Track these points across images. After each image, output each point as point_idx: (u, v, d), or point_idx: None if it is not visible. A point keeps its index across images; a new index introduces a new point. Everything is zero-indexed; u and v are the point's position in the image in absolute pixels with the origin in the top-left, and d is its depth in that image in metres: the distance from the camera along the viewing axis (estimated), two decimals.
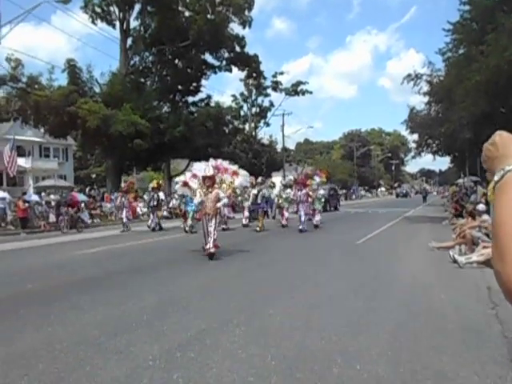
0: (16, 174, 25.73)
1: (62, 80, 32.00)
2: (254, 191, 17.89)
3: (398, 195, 75.03)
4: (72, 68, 31.62)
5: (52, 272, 8.94)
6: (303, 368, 3.80)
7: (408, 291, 6.81)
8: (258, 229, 16.96)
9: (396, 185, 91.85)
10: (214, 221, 10.15)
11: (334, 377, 3.65)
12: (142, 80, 35.87)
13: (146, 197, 25.15)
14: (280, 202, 19.28)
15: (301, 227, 16.13)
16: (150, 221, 19.01)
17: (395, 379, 3.60)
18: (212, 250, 9.87)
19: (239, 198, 20.07)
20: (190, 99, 39.25)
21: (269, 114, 53.29)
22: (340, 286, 7.17)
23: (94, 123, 28.76)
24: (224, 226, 17.24)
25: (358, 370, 3.76)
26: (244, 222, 19.34)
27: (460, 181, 31.02)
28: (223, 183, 10.64)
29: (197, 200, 10.49)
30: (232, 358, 4.02)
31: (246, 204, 19.24)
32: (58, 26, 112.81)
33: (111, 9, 32.96)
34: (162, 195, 19.39)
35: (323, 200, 20.15)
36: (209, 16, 34.06)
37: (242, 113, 50.50)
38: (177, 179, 15.91)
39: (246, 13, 35.99)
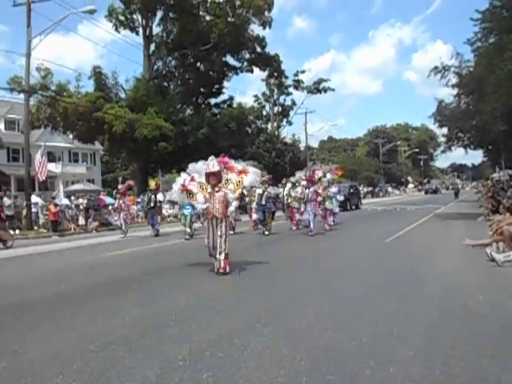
0: (47, 178, 26.41)
1: (88, 87, 32.75)
2: (259, 190, 15.84)
3: (426, 191, 70.82)
4: (98, 75, 32.33)
5: (83, 273, 9.11)
6: (334, 370, 3.73)
7: (442, 291, 6.57)
8: (266, 232, 15.38)
9: (425, 181, 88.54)
10: (223, 227, 8.21)
11: (366, 379, 3.57)
12: (166, 84, 36.39)
13: (140, 199, 24.48)
14: (289, 201, 17.27)
15: (311, 231, 14.56)
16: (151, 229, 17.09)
17: (432, 383, 3.50)
18: (223, 270, 8.08)
19: (246, 199, 18.65)
20: (213, 101, 39.66)
21: (291, 113, 53.34)
22: (369, 285, 6.99)
23: (120, 128, 29.37)
24: (231, 232, 14.76)
25: (391, 372, 3.68)
26: (251, 226, 17.37)
27: (495, 175, 30.29)
28: (229, 183, 8.59)
29: (200, 205, 8.49)
30: (261, 358, 4.01)
31: (254, 205, 17.06)
32: (84, 35, 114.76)
33: (134, 16, 33.59)
34: (160, 197, 17.16)
35: (340, 199, 18.76)
36: (229, 19, 34.36)
37: (264, 112, 50.72)
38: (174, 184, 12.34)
39: (266, 13, 36.10)
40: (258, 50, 39.68)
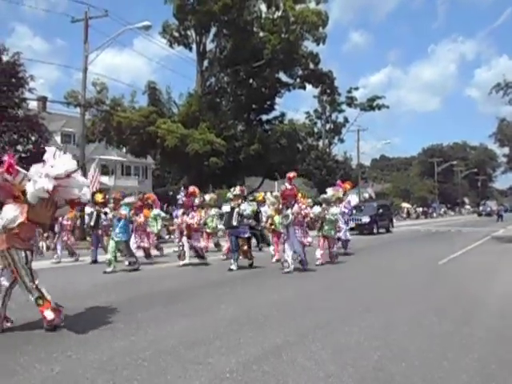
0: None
1: (142, 101, 33.48)
2: (227, 208, 11.67)
3: (480, 214, 65.36)
4: (152, 90, 33.10)
5: (134, 284, 9.34)
6: None
7: (499, 317, 6.23)
8: (232, 267, 10.85)
9: (482, 202, 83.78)
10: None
11: None
12: (218, 100, 36.78)
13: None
14: (271, 224, 13.09)
15: (287, 268, 10.23)
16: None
17: None
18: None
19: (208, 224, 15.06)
20: (264, 117, 39.66)
21: (343, 130, 52.67)
22: (421, 307, 6.72)
23: (172, 142, 29.78)
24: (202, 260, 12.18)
25: None
26: (223, 256, 13.12)
27: None
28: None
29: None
30: (308, 375, 3.96)
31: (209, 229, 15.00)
32: (139, 50, 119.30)
33: (188, 33, 34.32)
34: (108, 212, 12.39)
35: (364, 220, 15.85)
36: (283, 35, 34.38)
37: (315, 129, 50.17)
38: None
39: (321, 29, 35.81)
40: (311, 66, 39.43)
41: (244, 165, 33.52)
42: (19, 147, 27.16)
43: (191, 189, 12.45)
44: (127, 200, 12.14)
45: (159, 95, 33.67)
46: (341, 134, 52.79)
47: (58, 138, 41.30)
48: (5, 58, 26.45)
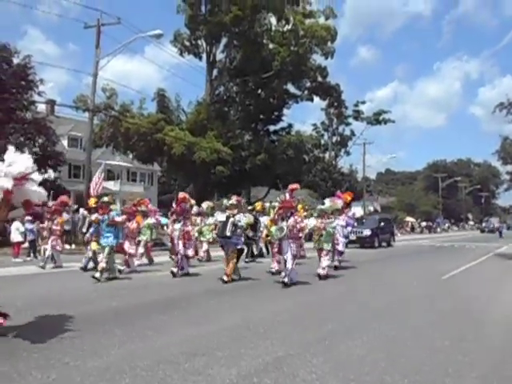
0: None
1: (151, 108, 33.68)
2: (221, 217, 11.51)
3: (483, 230, 63.06)
4: (161, 97, 33.32)
5: (135, 291, 9.28)
6: None
7: (503, 333, 6.22)
8: (224, 278, 10.24)
9: (485, 219, 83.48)
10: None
11: None
12: (226, 109, 37.01)
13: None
14: (267, 235, 12.87)
15: (285, 278, 9.79)
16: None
17: None
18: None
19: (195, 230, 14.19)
20: (272, 128, 39.89)
21: (349, 143, 52.89)
22: (424, 322, 6.69)
23: (179, 150, 29.92)
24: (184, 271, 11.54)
25: None
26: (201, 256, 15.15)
27: None
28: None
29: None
30: None
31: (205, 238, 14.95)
32: (150, 58, 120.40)
33: (199, 42, 34.66)
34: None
35: (366, 233, 15.81)
36: (292, 48, 34.71)
37: (322, 142, 50.37)
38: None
39: (329, 44, 36.12)
40: (319, 79, 39.78)
41: (250, 174, 33.61)
42: (25, 149, 27.29)
43: (181, 195, 11.98)
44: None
45: (168, 102, 33.91)
46: (347, 146, 53.08)
47: (65, 142, 41.42)
48: (16, 61, 26.72)
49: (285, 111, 39.84)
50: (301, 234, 10.49)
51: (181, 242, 11.35)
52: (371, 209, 48.91)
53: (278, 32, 35.79)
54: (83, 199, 22.52)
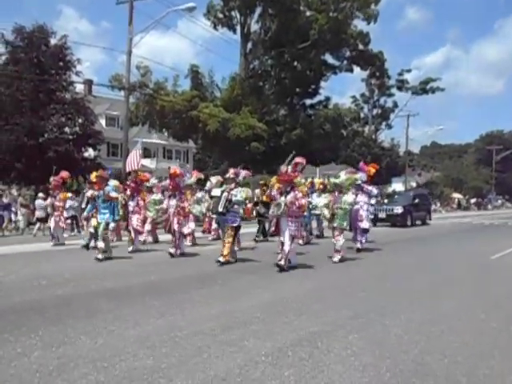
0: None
1: (185, 85, 33.45)
2: (216, 191, 10.34)
3: None
4: (195, 74, 32.95)
5: (173, 266, 9.46)
6: None
7: None
8: (220, 259, 9.36)
9: None
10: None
11: None
12: (261, 83, 36.29)
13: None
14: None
15: (281, 261, 8.70)
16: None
17: None
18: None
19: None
20: (308, 102, 38.93)
21: (391, 116, 51.02)
22: (467, 303, 6.37)
23: (214, 127, 29.63)
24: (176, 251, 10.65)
25: None
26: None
27: None
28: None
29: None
30: (344, 364, 3.90)
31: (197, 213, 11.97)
32: (183, 32, 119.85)
33: (233, 14, 33.83)
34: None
35: (397, 211, 14.95)
36: (331, 14, 33.28)
37: (362, 115, 48.89)
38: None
39: (373, 6, 34.29)
40: (360, 47, 38.07)
41: (285, 150, 32.81)
42: (66, 129, 27.78)
43: (172, 170, 11.30)
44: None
45: (202, 79, 33.52)
46: (389, 119, 51.30)
47: (102, 121, 41.99)
48: (53, 41, 26.96)
49: (322, 83, 38.71)
50: (301, 211, 9.22)
51: (176, 219, 10.64)
52: (414, 184, 47.25)
53: None
54: (122, 177, 22.67)
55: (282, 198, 8.93)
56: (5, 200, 17.15)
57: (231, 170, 10.46)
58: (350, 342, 4.47)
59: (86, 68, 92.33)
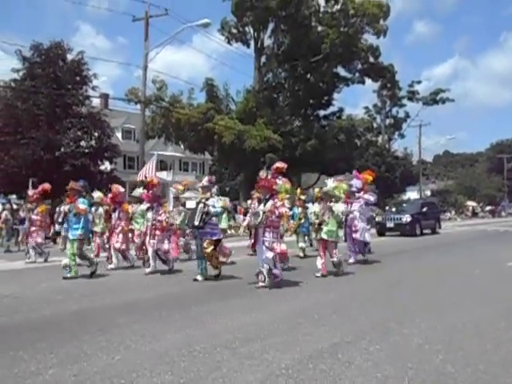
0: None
1: (200, 98, 33.87)
2: (191, 204, 9.69)
3: None
4: (210, 87, 33.39)
5: (186, 278, 9.31)
6: None
7: None
8: (198, 277, 8.82)
9: None
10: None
11: None
12: (275, 95, 36.57)
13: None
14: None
15: (262, 282, 8.06)
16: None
17: None
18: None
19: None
20: (322, 113, 39.11)
21: (404, 125, 51.12)
22: (486, 311, 6.29)
23: (229, 138, 29.97)
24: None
25: None
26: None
27: None
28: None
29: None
30: (365, 376, 3.85)
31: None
32: (197, 47, 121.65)
33: (246, 29, 34.36)
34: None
35: (405, 219, 15.32)
36: (342, 29, 33.72)
37: (374, 125, 49.00)
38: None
39: (382, 22, 34.70)
40: (371, 59, 38.40)
41: (300, 161, 33.11)
42: (83, 143, 28.30)
43: (149, 179, 10.64)
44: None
45: (217, 92, 33.93)
46: (401, 129, 51.39)
47: (119, 135, 42.65)
48: (70, 57, 27.64)
49: (335, 95, 38.86)
50: (282, 220, 8.66)
51: (152, 234, 9.88)
52: (428, 193, 47.04)
53: (327, 13, 34.82)
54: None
55: (261, 207, 8.25)
56: (22, 214, 17.00)
57: (205, 178, 9.62)
58: (370, 353, 4.42)
59: (102, 82, 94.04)
